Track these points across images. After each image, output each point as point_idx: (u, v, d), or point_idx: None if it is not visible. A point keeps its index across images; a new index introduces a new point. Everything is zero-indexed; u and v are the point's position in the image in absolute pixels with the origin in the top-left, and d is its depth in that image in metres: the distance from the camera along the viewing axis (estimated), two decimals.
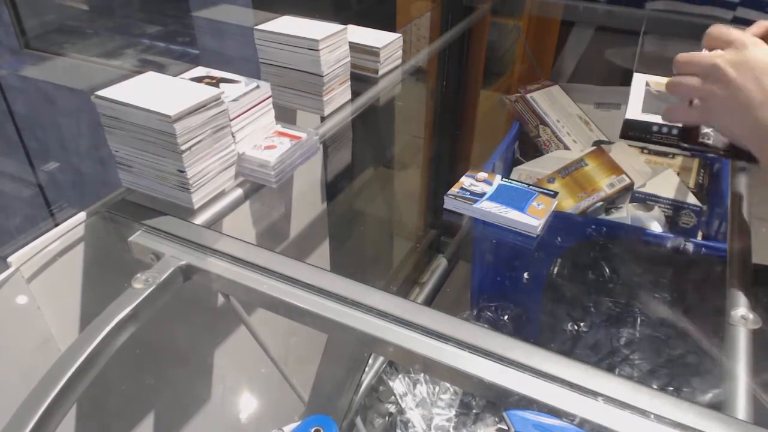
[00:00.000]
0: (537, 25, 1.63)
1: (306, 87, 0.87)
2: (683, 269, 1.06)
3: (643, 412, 0.45)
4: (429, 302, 1.22)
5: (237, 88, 0.71)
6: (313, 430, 0.47)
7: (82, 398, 0.50)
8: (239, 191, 0.73)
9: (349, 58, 0.91)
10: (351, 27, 0.95)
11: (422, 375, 1.11)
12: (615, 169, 1.15)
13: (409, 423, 1.07)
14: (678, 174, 1.18)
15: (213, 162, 0.68)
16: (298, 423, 0.49)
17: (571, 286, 1.11)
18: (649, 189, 1.13)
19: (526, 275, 1.18)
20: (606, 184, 1.13)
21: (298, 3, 1.04)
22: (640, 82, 0.86)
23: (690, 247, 1.00)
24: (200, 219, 0.68)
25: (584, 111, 1.40)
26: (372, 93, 0.97)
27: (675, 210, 1.10)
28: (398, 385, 1.10)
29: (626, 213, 1.10)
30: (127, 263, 0.65)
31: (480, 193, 0.81)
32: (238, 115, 0.70)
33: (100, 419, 0.80)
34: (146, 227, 0.64)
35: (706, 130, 0.71)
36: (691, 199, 1.10)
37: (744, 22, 1.25)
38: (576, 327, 1.09)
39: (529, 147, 1.37)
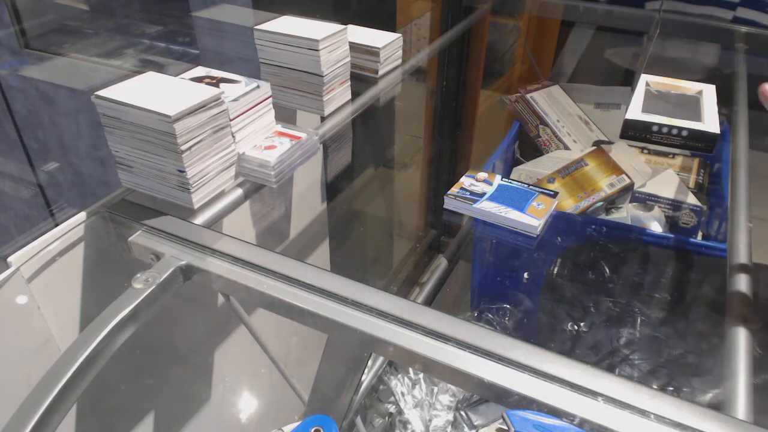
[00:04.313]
0: (537, 25, 1.63)
1: (306, 87, 0.87)
2: (683, 269, 1.06)
3: (643, 412, 0.45)
4: (429, 302, 1.22)
5: (237, 88, 0.71)
6: (313, 430, 0.47)
7: (82, 398, 0.50)
8: (239, 191, 0.73)
9: (349, 58, 0.91)
10: (351, 27, 0.95)
11: (422, 375, 1.11)
12: (615, 169, 1.15)
13: (408, 423, 1.07)
14: (678, 174, 1.18)
15: (213, 162, 0.68)
16: (298, 423, 0.49)
17: (571, 286, 1.11)
18: (649, 189, 1.13)
19: (526, 275, 1.18)
20: (606, 184, 1.13)
21: (298, 3, 1.05)
22: (644, 83, 0.86)
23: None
24: (200, 219, 0.68)
25: (584, 111, 1.40)
26: (372, 93, 0.97)
27: (675, 210, 1.10)
28: (398, 385, 1.10)
29: (626, 213, 1.10)
30: (127, 263, 0.65)
31: (480, 193, 0.81)
32: (238, 115, 0.70)
33: (100, 419, 0.80)
34: (146, 227, 0.64)
35: None
36: (691, 199, 1.10)
37: (744, 22, 1.26)
38: (576, 327, 1.09)
39: (529, 147, 1.37)
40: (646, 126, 0.79)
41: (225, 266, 0.60)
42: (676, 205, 1.10)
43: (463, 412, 1.04)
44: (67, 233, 0.66)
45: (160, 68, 1.25)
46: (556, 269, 1.13)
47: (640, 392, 0.46)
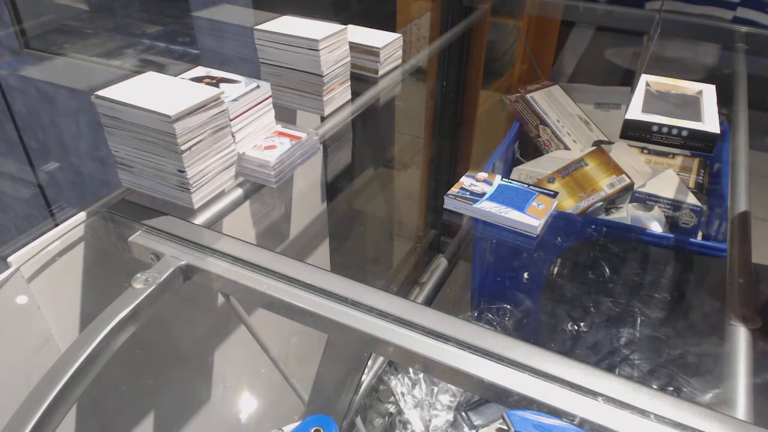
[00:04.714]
0: (537, 25, 1.63)
1: (306, 87, 0.87)
2: (683, 269, 1.06)
3: (643, 412, 0.45)
4: (429, 302, 1.22)
5: (237, 88, 0.71)
6: (313, 430, 0.48)
7: (82, 398, 0.50)
8: (239, 191, 0.73)
9: (349, 58, 0.90)
10: (351, 27, 0.95)
11: (422, 375, 1.11)
12: (615, 169, 1.15)
13: (408, 423, 1.07)
14: (678, 174, 1.18)
15: (213, 162, 0.68)
16: (298, 423, 0.49)
17: (571, 286, 1.11)
18: (649, 189, 1.13)
19: (526, 275, 1.18)
20: (606, 184, 1.13)
21: (298, 3, 1.05)
22: (644, 83, 0.86)
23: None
24: (200, 219, 0.68)
25: (584, 111, 1.40)
26: (372, 93, 0.97)
27: (675, 210, 1.10)
28: (398, 385, 1.10)
29: (626, 213, 1.10)
30: (127, 263, 0.65)
31: (480, 193, 0.81)
32: (238, 115, 0.70)
33: (100, 419, 0.80)
34: (146, 227, 0.64)
35: None
36: (691, 199, 1.10)
37: (744, 22, 1.26)
38: (576, 327, 1.09)
39: (529, 147, 1.37)
40: (646, 126, 0.79)
41: (225, 266, 0.60)
42: (676, 205, 1.09)
43: (463, 413, 1.04)
44: (67, 233, 0.66)
45: (160, 68, 1.25)
46: (556, 269, 1.13)
47: (640, 392, 0.46)
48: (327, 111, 0.89)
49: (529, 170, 1.27)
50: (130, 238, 0.63)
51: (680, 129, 0.78)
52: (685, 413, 0.45)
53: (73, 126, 1.74)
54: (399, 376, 1.11)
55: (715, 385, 0.92)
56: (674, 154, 1.25)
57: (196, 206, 0.67)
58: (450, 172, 1.82)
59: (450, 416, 1.06)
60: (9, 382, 0.64)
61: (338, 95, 0.91)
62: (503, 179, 0.85)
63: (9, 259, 0.61)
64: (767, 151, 1.29)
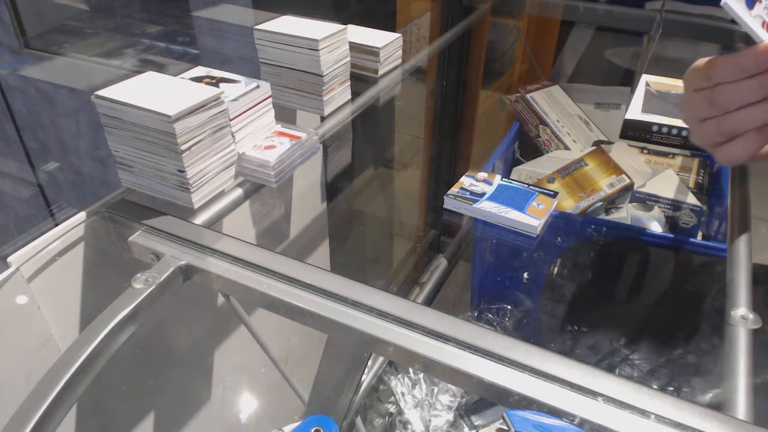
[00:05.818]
0: (537, 25, 1.63)
1: (306, 87, 0.87)
2: (683, 269, 1.06)
3: (643, 412, 0.45)
4: (429, 302, 1.22)
5: (237, 88, 0.71)
6: (313, 430, 0.47)
7: (82, 398, 0.50)
8: (239, 191, 0.73)
9: (349, 58, 0.91)
10: (351, 27, 0.95)
11: (422, 375, 1.11)
12: (615, 169, 1.15)
13: (408, 423, 1.07)
14: (678, 174, 1.18)
15: (213, 162, 0.68)
16: (298, 423, 0.49)
17: (571, 286, 1.11)
18: (649, 189, 1.13)
19: (526, 275, 1.18)
20: (606, 184, 1.13)
21: (298, 3, 1.05)
22: (644, 83, 0.86)
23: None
24: (200, 219, 0.68)
25: (584, 111, 1.40)
26: (372, 93, 0.97)
27: (675, 210, 1.10)
28: (398, 385, 1.10)
29: (626, 213, 1.10)
30: (127, 263, 0.65)
31: (480, 193, 0.81)
32: (238, 115, 0.70)
33: (100, 419, 0.80)
34: (146, 227, 0.64)
35: None
36: (691, 199, 1.10)
37: None
38: (576, 327, 1.09)
39: (529, 147, 1.37)
40: (646, 126, 0.79)
41: (225, 266, 0.60)
42: (676, 205, 1.09)
43: (463, 414, 1.04)
44: (67, 233, 0.66)
45: (160, 68, 1.25)
46: (556, 269, 1.13)
47: (640, 392, 0.46)
48: (327, 111, 0.89)
49: (529, 170, 1.27)
50: (130, 238, 0.63)
51: (680, 129, 0.78)
52: (685, 413, 0.45)
53: (73, 126, 1.74)
54: (399, 376, 1.11)
55: (715, 385, 0.92)
56: (674, 154, 1.25)
57: (196, 206, 0.67)
58: (450, 172, 1.82)
59: (450, 416, 1.06)
60: (9, 382, 0.64)
61: (338, 95, 0.91)
62: (503, 179, 0.85)
63: (9, 259, 0.61)
64: None
